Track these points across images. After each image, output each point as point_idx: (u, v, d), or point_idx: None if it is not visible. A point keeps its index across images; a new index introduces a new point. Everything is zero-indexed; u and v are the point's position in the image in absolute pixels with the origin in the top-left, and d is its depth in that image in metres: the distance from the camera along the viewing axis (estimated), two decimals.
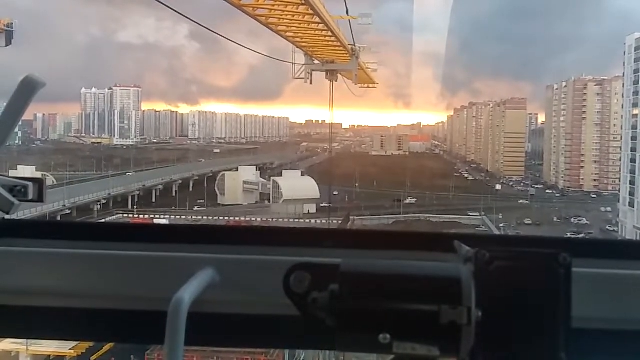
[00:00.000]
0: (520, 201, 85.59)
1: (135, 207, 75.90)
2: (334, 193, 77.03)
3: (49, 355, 33.45)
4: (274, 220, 71.95)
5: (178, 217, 73.35)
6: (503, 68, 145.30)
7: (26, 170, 63.44)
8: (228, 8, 31.50)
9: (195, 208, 79.25)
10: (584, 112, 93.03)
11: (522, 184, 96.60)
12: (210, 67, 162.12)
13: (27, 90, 1.54)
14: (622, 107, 78.73)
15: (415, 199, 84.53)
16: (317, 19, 37.16)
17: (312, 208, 75.30)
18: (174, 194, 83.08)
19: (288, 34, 40.41)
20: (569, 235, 60.80)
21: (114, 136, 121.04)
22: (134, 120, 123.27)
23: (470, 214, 78.81)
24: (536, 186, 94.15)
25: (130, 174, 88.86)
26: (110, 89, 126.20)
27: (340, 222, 67.90)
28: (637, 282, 1.47)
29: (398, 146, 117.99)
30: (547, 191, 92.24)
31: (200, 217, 72.93)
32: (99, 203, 73.22)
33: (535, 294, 1.22)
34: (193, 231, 1.69)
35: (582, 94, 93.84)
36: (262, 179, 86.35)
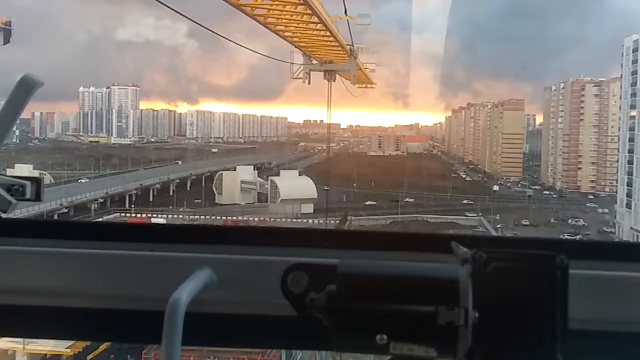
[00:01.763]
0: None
1: (132, 206, 75.84)
2: (324, 188, 76.59)
3: (46, 354, 33.34)
4: (272, 220, 71.91)
5: (175, 216, 73.30)
6: (503, 68, 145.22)
7: (24, 169, 63.31)
8: (229, 7, 31.53)
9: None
10: (582, 113, 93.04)
11: (519, 185, 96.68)
12: (209, 66, 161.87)
13: (25, 89, 1.56)
14: (620, 109, 78.78)
15: (412, 199, 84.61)
16: (316, 19, 37.18)
17: (310, 208, 75.26)
18: (171, 193, 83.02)
19: (286, 33, 40.45)
20: (565, 236, 60.96)
21: (112, 135, 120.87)
22: (132, 119, 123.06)
23: (468, 214, 78.88)
24: (534, 187, 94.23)
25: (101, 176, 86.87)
26: (108, 87, 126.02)
27: (337, 222, 67.92)
28: (633, 284, 1.48)
29: (396, 146, 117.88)
30: (545, 192, 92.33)
31: (197, 217, 72.90)
32: (96, 202, 73.14)
33: (532, 296, 1.22)
34: (190, 231, 1.70)
35: (579, 95, 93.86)
36: (259, 179, 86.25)
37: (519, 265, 1.24)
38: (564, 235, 63.21)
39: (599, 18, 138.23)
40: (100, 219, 59.49)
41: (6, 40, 60.44)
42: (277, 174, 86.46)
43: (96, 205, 72.58)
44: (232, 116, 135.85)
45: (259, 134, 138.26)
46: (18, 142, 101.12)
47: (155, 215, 71.41)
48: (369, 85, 65.88)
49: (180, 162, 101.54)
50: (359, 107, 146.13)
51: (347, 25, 43.59)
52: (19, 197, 1.64)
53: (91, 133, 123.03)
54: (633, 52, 73.17)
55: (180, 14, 34.00)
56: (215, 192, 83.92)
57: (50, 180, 70.81)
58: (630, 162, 71.04)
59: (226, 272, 1.50)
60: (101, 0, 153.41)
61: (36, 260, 1.57)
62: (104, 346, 33.24)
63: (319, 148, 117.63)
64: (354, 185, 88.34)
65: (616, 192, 76.19)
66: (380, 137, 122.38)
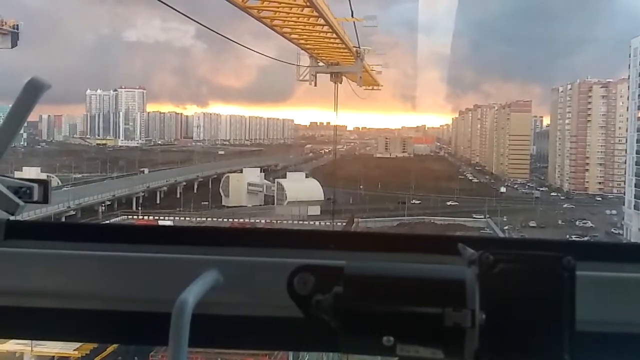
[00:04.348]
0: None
1: (139, 208, 76.02)
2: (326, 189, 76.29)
3: (53, 356, 33.47)
4: (278, 222, 71.91)
5: (182, 218, 73.41)
6: (511, 70, 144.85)
7: (31, 172, 63.59)
8: (238, 9, 31.50)
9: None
10: (589, 114, 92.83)
11: (526, 187, 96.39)
12: (216, 68, 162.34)
13: (32, 92, 1.54)
14: (627, 110, 78.50)
15: (419, 201, 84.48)
16: (322, 21, 37.18)
17: (316, 210, 75.23)
18: (178, 196, 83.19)
19: (293, 35, 40.45)
20: (573, 238, 60.67)
21: (119, 138, 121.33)
22: (139, 121, 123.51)
23: (475, 216, 78.72)
24: (541, 189, 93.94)
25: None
26: (115, 90, 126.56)
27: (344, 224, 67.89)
28: None
29: (402, 148, 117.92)
30: (552, 194, 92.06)
31: (204, 219, 72.96)
32: (103, 204, 73.37)
33: (539, 297, 1.22)
34: (197, 233, 1.69)
35: (587, 96, 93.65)
36: (266, 181, 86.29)
37: (526, 267, 1.23)
38: (571, 237, 62.96)
39: (607, 19, 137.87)
40: (108, 222, 59.68)
41: (14, 44, 60.76)
42: (284, 176, 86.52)
43: (103, 208, 72.85)
44: (239, 118, 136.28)
45: (265, 136, 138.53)
46: (26, 144, 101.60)
47: (162, 218, 71.55)
48: (375, 87, 65.76)
49: (146, 171, 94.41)
50: (366, 109, 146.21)
51: (354, 27, 43.59)
52: (26, 199, 1.65)
53: (98, 136, 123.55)
54: None
55: (188, 16, 34.06)
56: (222, 194, 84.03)
57: (58, 183, 71.10)
58: (638, 164, 70.79)
59: (233, 273, 1.49)
60: (109, 3, 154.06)
61: (43, 262, 1.57)
62: (111, 348, 33.35)
63: (326, 150, 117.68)
64: (360, 187, 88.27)
65: (624, 194, 75.90)
66: (386, 138, 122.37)
